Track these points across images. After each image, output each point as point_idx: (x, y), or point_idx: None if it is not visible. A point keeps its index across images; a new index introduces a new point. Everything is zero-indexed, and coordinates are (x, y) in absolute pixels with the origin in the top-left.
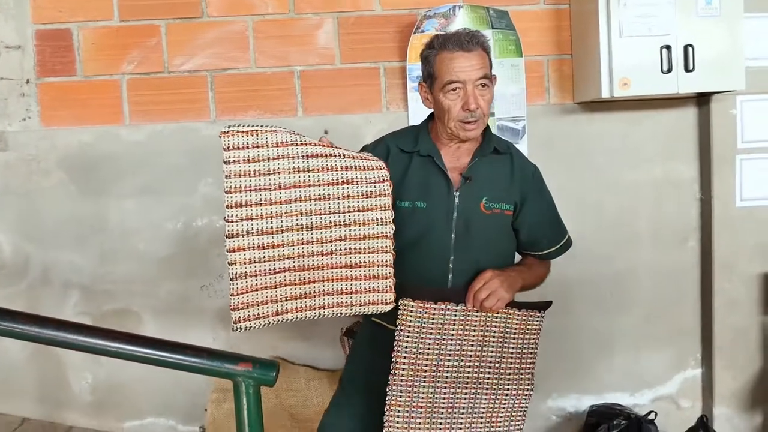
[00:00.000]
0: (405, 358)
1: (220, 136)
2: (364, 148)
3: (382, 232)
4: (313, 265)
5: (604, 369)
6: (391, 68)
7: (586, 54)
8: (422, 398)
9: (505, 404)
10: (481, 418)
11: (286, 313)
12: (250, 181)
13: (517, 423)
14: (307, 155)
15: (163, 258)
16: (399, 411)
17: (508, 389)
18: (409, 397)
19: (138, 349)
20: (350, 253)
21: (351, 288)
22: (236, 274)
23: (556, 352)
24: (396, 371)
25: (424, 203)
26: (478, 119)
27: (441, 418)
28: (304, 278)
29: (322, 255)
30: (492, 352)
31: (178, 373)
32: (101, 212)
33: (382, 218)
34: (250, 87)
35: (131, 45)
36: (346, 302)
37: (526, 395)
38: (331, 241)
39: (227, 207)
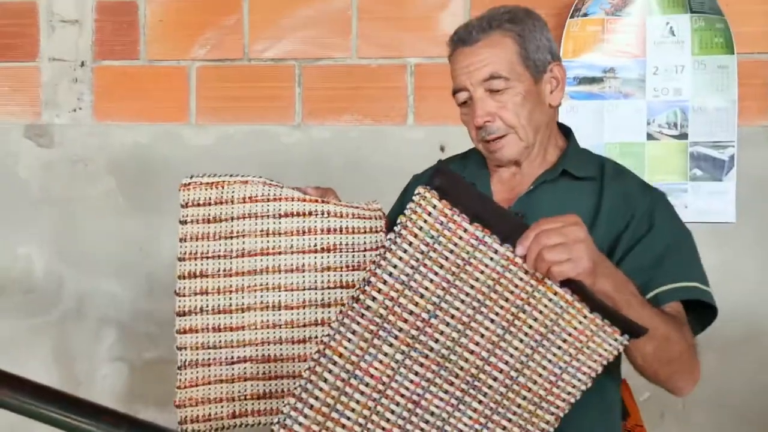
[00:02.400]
0: (386, 281)
1: (179, 190)
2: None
3: None
4: (280, 355)
5: None
6: None
7: None
8: (380, 363)
9: None
10: None
11: (246, 416)
12: (209, 246)
13: None
14: (281, 214)
15: None
16: (335, 363)
17: (510, 420)
18: (360, 349)
19: (39, 404)
20: None
21: None
22: (185, 362)
23: None
24: (362, 297)
25: None
26: (499, 134)
27: (392, 413)
28: (269, 372)
29: (292, 343)
30: (517, 349)
31: None
32: (152, 233)
33: None
34: (347, 83)
35: (205, 24)
36: None
37: None
38: (304, 326)
39: (179, 277)
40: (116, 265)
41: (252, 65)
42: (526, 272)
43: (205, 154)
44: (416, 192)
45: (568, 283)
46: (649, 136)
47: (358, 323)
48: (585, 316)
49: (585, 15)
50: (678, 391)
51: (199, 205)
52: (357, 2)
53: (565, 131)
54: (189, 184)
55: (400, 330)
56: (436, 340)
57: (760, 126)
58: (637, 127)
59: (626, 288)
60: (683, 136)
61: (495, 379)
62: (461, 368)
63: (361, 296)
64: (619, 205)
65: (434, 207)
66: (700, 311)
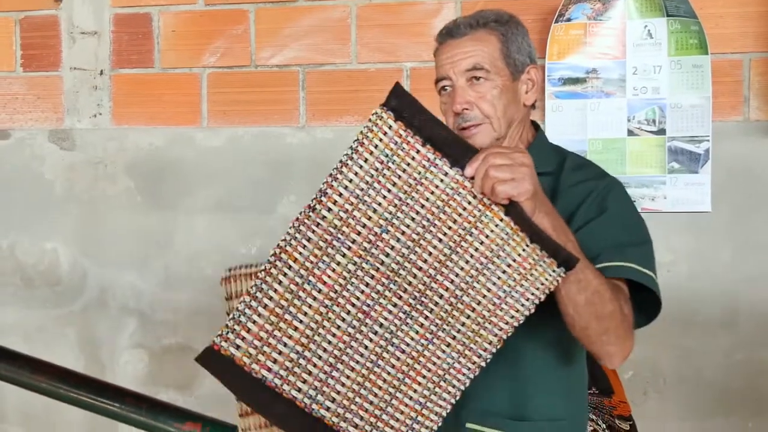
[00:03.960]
0: (341, 195)
1: (221, 284)
2: None
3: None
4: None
5: None
6: None
7: None
8: (332, 271)
9: (438, 358)
10: (399, 354)
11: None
12: None
13: (442, 398)
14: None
15: None
16: (290, 268)
17: (454, 337)
18: (315, 255)
19: (68, 388)
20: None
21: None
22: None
23: None
24: (318, 207)
25: None
26: (475, 122)
27: (342, 321)
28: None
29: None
30: (463, 269)
31: None
32: (167, 228)
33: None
34: (348, 87)
35: (215, 33)
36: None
37: (473, 363)
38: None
39: None
40: (135, 258)
41: (259, 71)
42: (475, 197)
43: (215, 155)
44: (373, 111)
45: (511, 211)
46: (630, 132)
47: (314, 231)
48: (527, 245)
49: (568, 20)
50: (608, 358)
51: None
52: (356, 11)
53: (536, 128)
54: (229, 277)
55: (353, 242)
56: (387, 255)
57: (733, 121)
58: (618, 124)
59: (563, 231)
60: (661, 131)
61: (441, 296)
62: (409, 284)
63: (318, 206)
64: (574, 193)
65: (389, 127)
66: (649, 302)
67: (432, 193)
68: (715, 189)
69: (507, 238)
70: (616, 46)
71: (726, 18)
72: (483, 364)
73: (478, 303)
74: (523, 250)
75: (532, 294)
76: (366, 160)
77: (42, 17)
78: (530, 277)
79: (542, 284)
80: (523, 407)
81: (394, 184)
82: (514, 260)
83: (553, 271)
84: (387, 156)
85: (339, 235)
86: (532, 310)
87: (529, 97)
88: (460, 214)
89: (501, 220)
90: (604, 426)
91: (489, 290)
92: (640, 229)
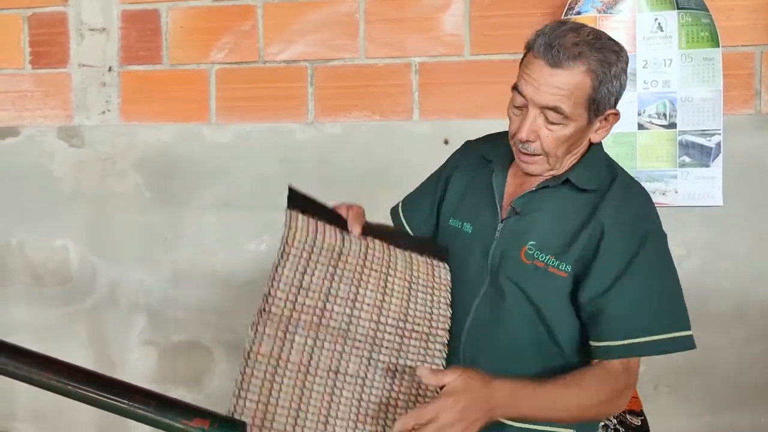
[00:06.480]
0: (282, 290)
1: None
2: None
3: None
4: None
5: None
6: None
7: None
8: (297, 351)
9: (407, 384)
10: (376, 392)
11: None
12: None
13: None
14: None
15: (242, 285)
16: (260, 363)
17: (412, 359)
18: (280, 345)
19: (76, 385)
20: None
21: None
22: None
23: None
24: (267, 307)
25: (471, 228)
26: (534, 153)
27: (319, 384)
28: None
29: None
30: (396, 305)
31: None
32: (176, 225)
33: None
34: (356, 82)
35: (223, 29)
36: None
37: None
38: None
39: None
40: (144, 254)
41: (267, 67)
42: (381, 245)
43: (224, 151)
44: (288, 212)
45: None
46: (640, 126)
47: (269, 326)
48: (418, 260)
49: (578, 13)
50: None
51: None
52: (364, 6)
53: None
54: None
55: (304, 321)
56: (335, 320)
57: (744, 114)
58: (629, 118)
59: (525, 396)
60: (672, 125)
61: (389, 333)
62: (361, 334)
63: (265, 306)
64: (608, 222)
65: (301, 221)
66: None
67: (352, 258)
68: (727, 183)
69: (410, 263)
70: (627, 40)
71: (737, 10)
72: (442, 368)
73: (418, 325)
74: (421, 266)
75: (444, 297)
76: (294, 255)
77: (50, 14)
78: (436, 283)
79: (445, 283)
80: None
81: (323, 264)
82: (420, 277)
83: (444, 268)
84: (309, 246)
85: (291, 321)
86: (450, 312)
87: (598, 136)
88: (376, 263)
89: (402, 253)
90: (615, 421)
91: (420, 311)
92: (668, 289)
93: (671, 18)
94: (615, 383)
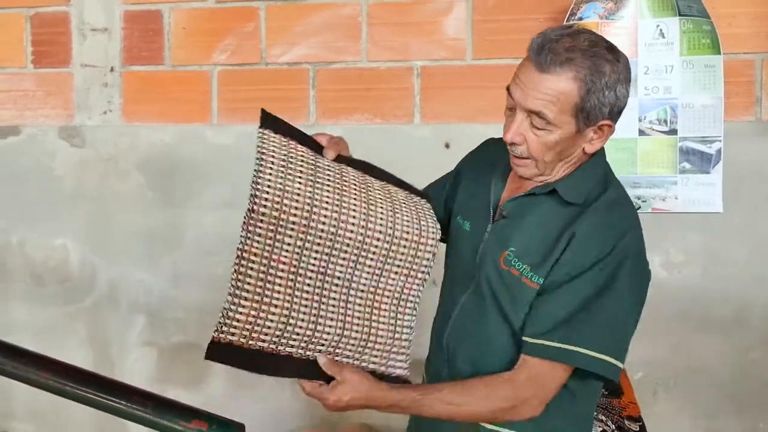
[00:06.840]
0: (268, 193)
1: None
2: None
3: None
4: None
5: None
6: None
7: None
8: (286, 251)
9: (392, 285)
10: (361, 294)
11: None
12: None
13: (406, 314)
14: None
15: None
16: (253, 262)
17: (399, 266)
18: (269, 245)
19: (74, 385)
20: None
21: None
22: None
23: None
24: (255, 207)
25: (469, 226)
26: (522, 156)
27: (308, 285)
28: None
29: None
30: (381, 216)
31: None
32: (178, 226)
33: None
34: (358, 85)
35: (225, 30)
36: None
37: (418, 281)
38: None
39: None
40: (145, 255)
41: (269, 69)
42: (355, 172)
43: (225, 153)
44: (258, 134)
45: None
46: (641, 132)
47: (259, 227)
48: (397, 189)
49: (580, 19)
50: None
51: None
52: (366, 9)
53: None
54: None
55: (293, 223)
56: (323, 222)
57: (745, 121)
58: (630, 124)
59: (405, 406)
60: (673, 131)
61: (378, 239)
62: (349, 238)
63: (254, 207)
64: (580, 236)
65: (274, 138)
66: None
67: (328, 168)
68: (727, 189)
69: (385, 186)
70: (628, 46)
71: (738, 18)
72: (426, 277)
73: (407, 232)
74: (402, 192)
75: (429, 214)
76: (272, 162)
77: (52, 13)
78: (417, 206)
79: (425, 206)
80: (524, 426)
81: (301, 172)
82: (401, 197)
83: (416, 196)
84: (284, 156)
85: (280, 222)
86: (437, 236)
87: (592, 147)
88: (351, 181)
89: (379, 182)
90: (613, 427)
91: (407, 219)
92: (616, 315)
93: (673, 24)
94: (515, 392)
